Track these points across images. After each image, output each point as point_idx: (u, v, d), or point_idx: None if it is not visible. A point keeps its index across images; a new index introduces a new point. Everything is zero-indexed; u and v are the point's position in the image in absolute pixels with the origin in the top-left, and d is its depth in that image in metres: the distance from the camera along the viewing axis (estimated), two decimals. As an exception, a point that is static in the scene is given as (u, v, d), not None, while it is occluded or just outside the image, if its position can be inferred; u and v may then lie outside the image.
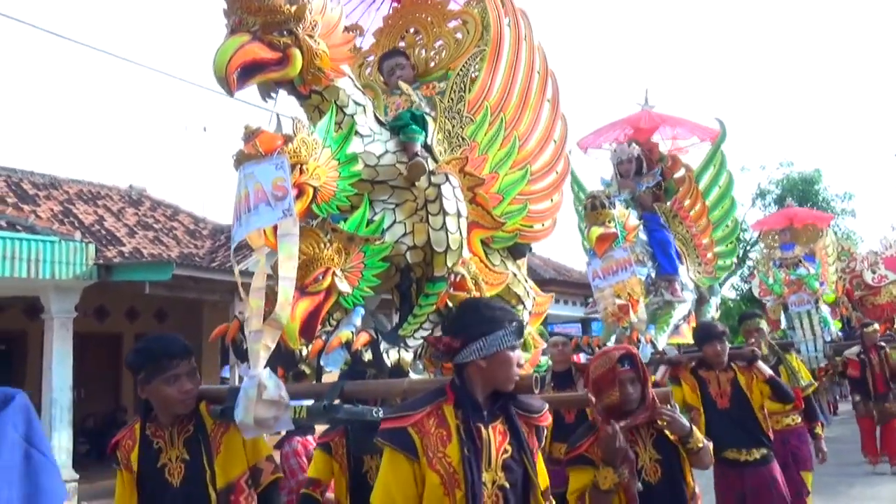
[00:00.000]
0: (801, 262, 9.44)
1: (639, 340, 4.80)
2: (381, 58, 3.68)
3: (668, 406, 3.09)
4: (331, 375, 2.87)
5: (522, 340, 3.20)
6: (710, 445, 2.95)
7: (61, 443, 8.20)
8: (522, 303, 3.60)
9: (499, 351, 2.07)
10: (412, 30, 3.75)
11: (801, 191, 23.63)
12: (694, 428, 2.88)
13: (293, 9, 2.55)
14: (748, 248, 25.04)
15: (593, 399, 2.84)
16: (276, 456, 2.92)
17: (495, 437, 2.05)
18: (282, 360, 2.68)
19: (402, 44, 3.77)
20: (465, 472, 1.94)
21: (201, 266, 10.03)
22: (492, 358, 2.07)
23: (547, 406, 2.21)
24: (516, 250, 3.54)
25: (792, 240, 9.93)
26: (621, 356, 2.91)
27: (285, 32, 2.56)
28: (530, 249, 3.68)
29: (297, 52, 2.58)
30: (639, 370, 2.89)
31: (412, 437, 2.01)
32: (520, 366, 2.10)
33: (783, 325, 9.11)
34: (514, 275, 3.50)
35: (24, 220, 8.78)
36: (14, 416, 0.77)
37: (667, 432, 2.85)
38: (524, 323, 2.13)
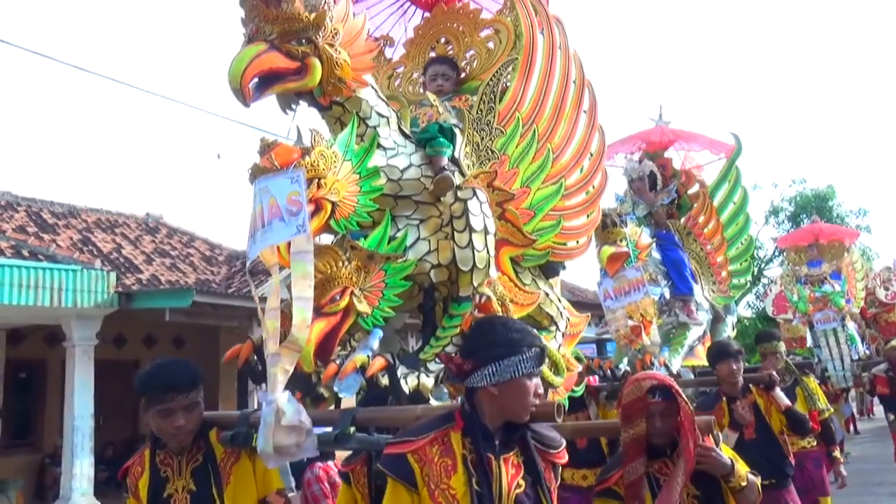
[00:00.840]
0: (826, 279, 9.22)
1: (652, 363, 4.62)
2: (429, 61, 3.56)
3: (715, 434, 2.86)
4: (350, 401, 2.74)
5: (543, 367, 3.06)
6: (758, 480, 2.72)
7: (83, 470, 8.22)
8: (555, 324, 3.43)
9: (513, 378, 1.90)
10: (443, 40, 3.63)
11: (815, 207, 23.19)
12: (736, 464, 2.64)
13: (312, 16, 2.45)
14: (763, 265, 24.53)
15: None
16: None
17: (507, 470, 1.88)
18: (299, 383, 2.56)
19: (439, 51, 3.63)
20: None
21: (220, 293, 10.05)
22: (505, 385, 1.91)
23: (564, 443, 2.03)
24: (549, 269, 3.37)
25: (819, 256, 9.67)
26: (653, 387, 2.70)
27: (304, 41, 2.45)
28: (564, 268, 3.50)
29: (316, 62, 2.47)
30: (674, 404, 2.66)
31: (411, 466, 1.86)
32: (538, 395, 1.91)
33: (809, 342, 8.79)
34: (547, 294, 3.33)
35: (46, 250, 8.91)
36: None
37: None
38: (544, 348, 1.94)
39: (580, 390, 4.01)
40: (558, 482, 2.00)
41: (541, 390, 1.89)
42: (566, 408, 4.41)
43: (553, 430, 2.07)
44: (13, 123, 37.25)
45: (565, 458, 2.05)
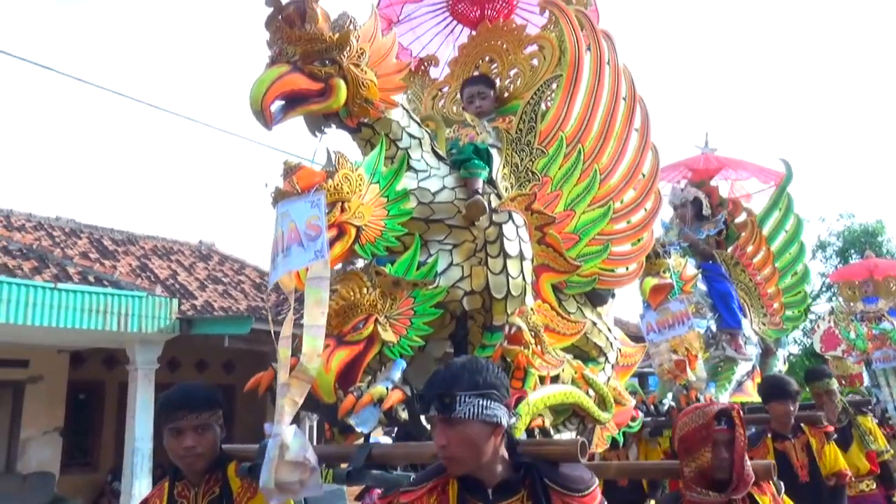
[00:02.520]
0: (885, 316, 8.68)
1: (697, 399, 4.34)
2: (464, 83, 3.47)
3: (776, 481, 2.62)
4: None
5: (587, 401, 2.85)
6: None
7: (141, 490, 8.37)
8: (604, 354, 3.23)
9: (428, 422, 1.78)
10: (487, 58, 3.52)
11: (864, 242, 21.84)
12: None
13: (336, 36, 2.38)
14: (810, 301, 23.23)
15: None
16: None
17: None
18: (326, 414, 2.47)
19: (483, 70, 3.53)
20: None
21: (276, 320, 10.06)
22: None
23: (597, 483, 1.81)
24: (596, 296, 3.17)
25: (874, 293, 9.16)
26: (719, 412, 2.50)
27: (328, 62, 2.39)
28: (613, 296, 3.29)
29: (340, 83, 2.41)
30: (735, 433, 2.46)
31: None
32: (438, 447, 1.70)
33: (866, 381, 8.20)
34: (594, 324, 3.14)
35: (111, 276, 9.21)
36: None
37: None
38: (437, 395, 1.68)
39: (636, 426, 3.77)
40: None
41: (442, 440, 1.68)
42: (619, 445, 4.20)
43: (584, 469, 1.86)
44: (77, 154, 39.50)
45: (596, 502, 1.80)
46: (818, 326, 8.96)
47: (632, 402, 3.44)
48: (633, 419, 3.63)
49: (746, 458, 2.47)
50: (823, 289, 23.66)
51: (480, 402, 1.69)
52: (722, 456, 2.43)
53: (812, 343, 11.12)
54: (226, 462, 2.37)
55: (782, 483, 2.74)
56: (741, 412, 2.65)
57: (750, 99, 47.70)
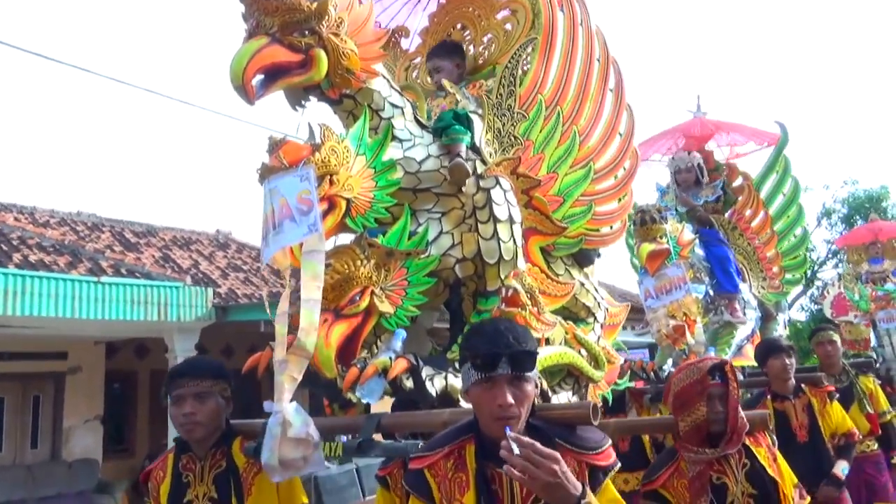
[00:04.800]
0: (889, 277, 8.86)
1: None
2: (428, 55, 3.43)
3: (770, 434, 2.69)
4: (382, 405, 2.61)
5: (582, 361, 2.89)
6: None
7: None
8: (593, 315, 3.26)
9: (468, 388, 1.73)
10: (459, 26, 3.49)
11: (868, 208, 22.54)
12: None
13: (314, 6, 2.33)
14: (817, 268, 23.90)
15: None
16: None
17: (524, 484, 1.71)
18: (325, 390, 2.45)
19: (455, 38, 3.49)
20: None
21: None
22: (468, 395, 1.75)
23: (609, 442, 1.83)
24: (583, 257, 3.20)
25: (881, 253, 9.32)
26: (713, 366, 2.55)
27: (307, 32, 2.34)
28: (599, 255, 3.32)
29: (321, 53, 2.36)
30: (729, 387, 2.52)
31: (428, 482, 1.73)
32: (504, 406, 1.65)
33: (873, 342, 8.43)
34: (582, 284, 3.17)
35: (142, 268, 9.44)
36: None
37: (763, 462, 2.44)
38: (498, 354, 1.66)
39: (624, 383, 3.83)
40: (601, 486, 1.76)
41: (509, 399, 1.64)
42: (609, 403, 4.28)
43: (594, 430, 1.88)
44: (85, 147, 38.78)
45: (610, 460, 1.81)
46: (827, 293, 9.16)
47: (620, 359, 3.50)
48: (621, 376, 3.70)
49: (740, 410, 2.53)
50: (829, 255, 24.15)
51: (536, 361, 1.74)
52: (717, 409, 2.48)
53: (821, 309, 11.34)
54: (232, 437, 2.35)
55: (776, 438, 2.81)
56: (734, 367, 2.71)
57: (749, 66, 47.82)
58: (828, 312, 8.82)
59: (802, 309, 24.36)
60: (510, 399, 1.66)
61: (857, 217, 23.52)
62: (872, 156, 43.51)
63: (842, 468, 3.91)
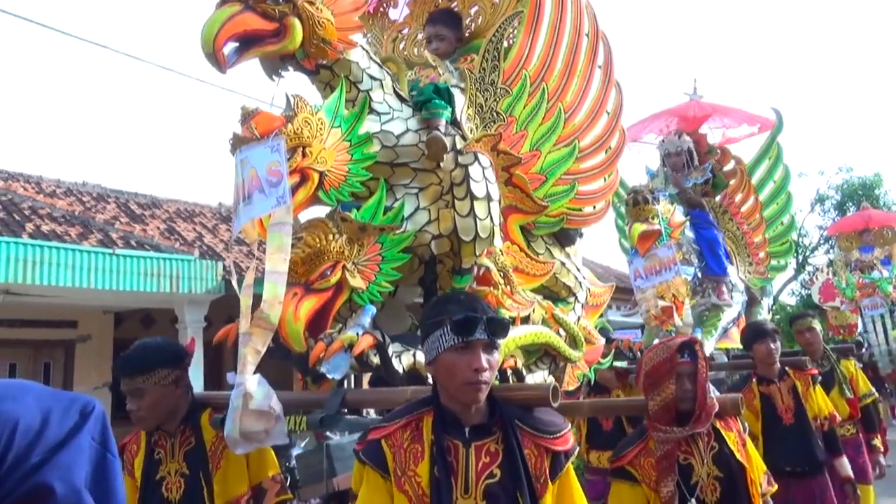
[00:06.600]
0: (876, 265, 8.97)
1: None
2: (426, 22, 3.36)
3: (742, 421, 2.67)
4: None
5: (558, 341, 2.87)
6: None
7: None
8: (574, 294, 3.24)
9: (438, 355, 1.70)
10: (447, -4, 3.42)
11: (861, 195, 22.37)
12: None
13: (289, -28, 2.28)
14: (808, 254, 23.87)
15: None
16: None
17: (480, 458, 1.68)
18: (297, 364, 2.44)
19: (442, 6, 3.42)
20: (432, 496, 1.63)
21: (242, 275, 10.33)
22: (435, 365, 1.73)
23: (569, 427, 1.81)
24: (564, 236, 3.17)
25: (871, 242, 9.44)
26: (682, 344, 2.53)
27: (281, 0, 2.29)
28: (581, 235, 3.29)
29: (295, 22, 2.31)
30: (698, 365, 2.50)
31: (384, 452, 1.72)
32: (480, 370, 1.66)
33: (860, 328, 8.51)
34: (563, 264, 3.14)
35: (151, 240, 9.47)
36: (93, 426, 0.89)
37: (732, 447, 2.43)
38: (476, 318, 1.66)
39: (607, 362, 3.82)
40: (559, 472, 1.74)
41: (484, 364, 1.65)
42: (591, 382, 4.25)
43: (554, 413, 1.86)
44: (99, 120, 38.47)
45: (568, 445, 1.79)
46: (816, 278, 9.26)
47: (601, 340, 3.48)
48: (604, 356, 3.68)
49: (708, 389, 2.52)
50: (821, 241, 24.12)
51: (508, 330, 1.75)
52: (685, 387, 2.46)
53: (809, 294, 11.45)
54: (201, 410, 2.34)
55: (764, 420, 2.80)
56: (703, 345, 2.70)
57: (747, 51, 47.40)
58: (816, 298, 8.89)
59: (793, 293, 24.45)
60: (484, 364, 1.67)
61: (850, 204, 23.48)
62: (869, 143, 43.38)
63: (844, 467, 4.04)
